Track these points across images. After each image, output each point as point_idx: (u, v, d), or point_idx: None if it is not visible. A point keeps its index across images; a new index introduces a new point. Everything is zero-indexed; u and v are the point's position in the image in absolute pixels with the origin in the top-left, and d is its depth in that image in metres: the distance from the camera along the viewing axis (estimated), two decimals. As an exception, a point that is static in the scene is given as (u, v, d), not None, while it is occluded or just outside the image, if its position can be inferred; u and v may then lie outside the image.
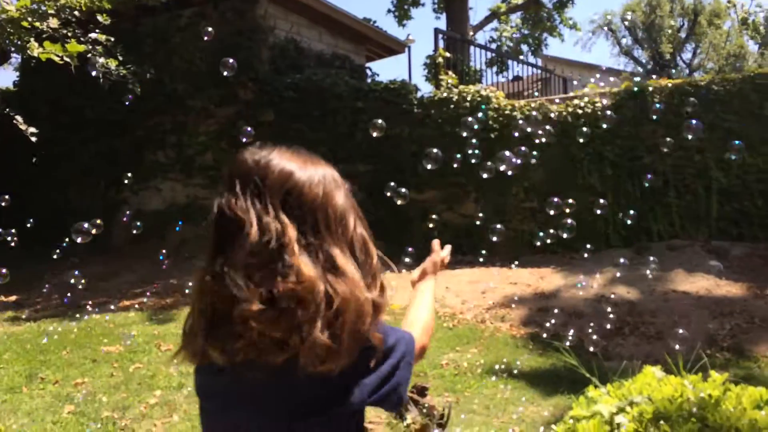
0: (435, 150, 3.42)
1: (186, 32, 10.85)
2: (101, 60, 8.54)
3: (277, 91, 10.24)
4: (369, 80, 12.45)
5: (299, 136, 10.05)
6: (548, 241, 6.64)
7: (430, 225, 3.50)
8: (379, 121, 3.65)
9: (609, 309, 6.83)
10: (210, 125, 10.74)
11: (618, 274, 7.82)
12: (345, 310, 1.13)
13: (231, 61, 3.35)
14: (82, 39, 8.41)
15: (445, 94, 9.67)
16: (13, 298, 8.41)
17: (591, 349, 5.21)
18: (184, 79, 10.76)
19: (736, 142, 4.75)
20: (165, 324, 6.69)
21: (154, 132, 11.02)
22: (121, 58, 8.85)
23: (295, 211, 1.18)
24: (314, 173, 1.24)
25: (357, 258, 1.22)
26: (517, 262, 8.12)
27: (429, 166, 3.39)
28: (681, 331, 3.35)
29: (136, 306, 7.53)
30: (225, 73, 3.41)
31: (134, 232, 7.28)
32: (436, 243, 1.87)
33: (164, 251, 6.37)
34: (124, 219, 10.57)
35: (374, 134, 3.88)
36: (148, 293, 8.19)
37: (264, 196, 1.18)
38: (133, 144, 11.11)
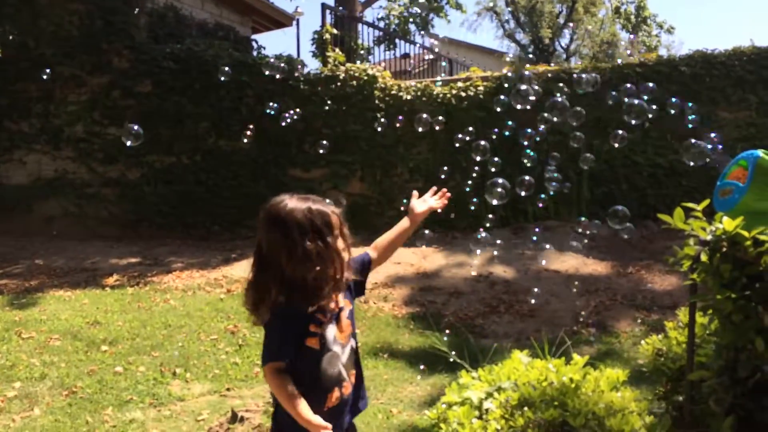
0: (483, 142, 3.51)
1: (54, -8, 10.04)
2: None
3: (156, 61, 9.72)
4: (255, 53, 12.10)
5: (180, 110, 9.62)
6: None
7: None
8: (424, 115, 3.88)
9: (486, 288, 7.10)
10: (81, 94, 10.04)
11: (496, 253, 8.13)
12: None
13: None
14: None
15: (332, 72, 9.56)
16: None
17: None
18: (52, 44, 9.97)
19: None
20: (27, 309, 6.20)
21: (17, 99, 10.15)
22: (-23, 18, 8.08)
23: None
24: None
25: None
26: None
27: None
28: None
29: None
30: None
31: None
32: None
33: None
34: None
35: (420, 129, 4.11)
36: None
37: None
38: (-7, 111, 10.21)
